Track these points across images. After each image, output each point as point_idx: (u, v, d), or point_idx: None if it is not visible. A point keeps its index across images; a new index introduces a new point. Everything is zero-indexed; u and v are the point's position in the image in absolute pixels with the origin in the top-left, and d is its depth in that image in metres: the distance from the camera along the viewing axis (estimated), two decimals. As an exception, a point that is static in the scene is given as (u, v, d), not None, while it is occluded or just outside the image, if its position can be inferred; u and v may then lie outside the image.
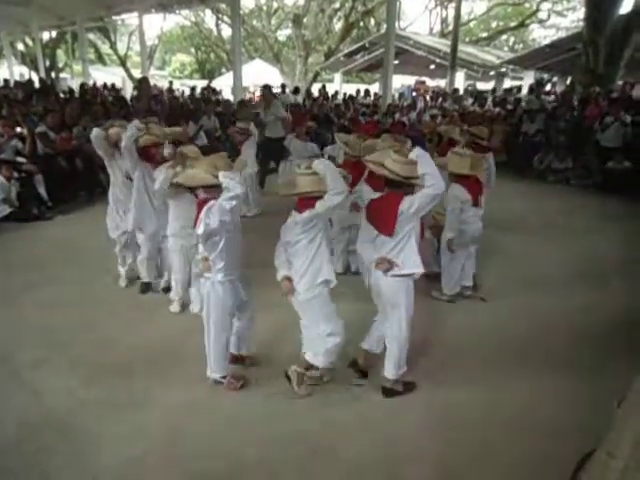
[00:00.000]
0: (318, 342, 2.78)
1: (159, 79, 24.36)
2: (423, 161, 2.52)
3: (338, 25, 26.50)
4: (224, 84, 20.59)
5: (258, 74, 23.39)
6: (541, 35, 32.79)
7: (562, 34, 24.91)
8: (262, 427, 2.64)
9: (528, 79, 17.00)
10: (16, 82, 15.68)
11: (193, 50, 38.22)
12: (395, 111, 11.76)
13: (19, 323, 3.71)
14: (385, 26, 14.73)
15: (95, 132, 3.98)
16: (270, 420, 2.69)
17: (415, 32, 24.25)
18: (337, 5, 25.67)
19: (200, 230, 2.54)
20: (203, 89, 14.59)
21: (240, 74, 14.20)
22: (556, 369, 3.20)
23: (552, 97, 13.34)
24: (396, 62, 15.41)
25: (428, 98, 15.47)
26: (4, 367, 3.13)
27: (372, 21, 28.15)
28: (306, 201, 2.56)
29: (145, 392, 2.91)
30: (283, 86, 15.20)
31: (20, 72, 24.26)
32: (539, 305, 4.14)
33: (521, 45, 33.78)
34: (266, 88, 8.27)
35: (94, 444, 2.49)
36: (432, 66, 20.38)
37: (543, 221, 6.64)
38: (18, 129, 7.52)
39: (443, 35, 26.83)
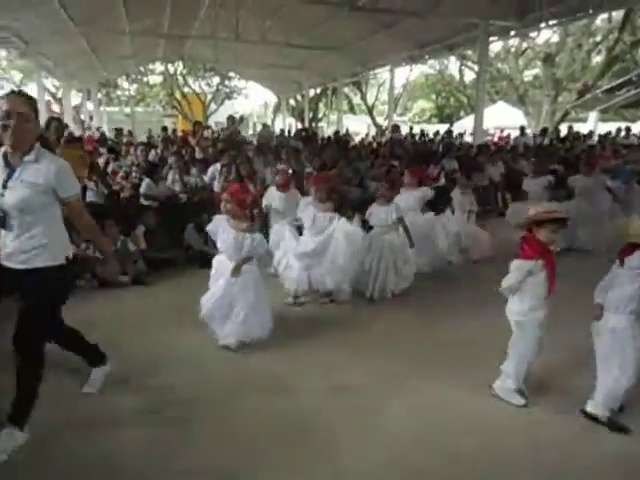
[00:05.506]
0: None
1: (401, 125, 26.12)
2: None
3: (596, 59, 23.98)
4: (464, 127, 20.86)
5: (499, 116, 22.95)
6: None
7: None
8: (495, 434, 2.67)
9: None
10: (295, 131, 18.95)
11: (434, 96, 39.79)
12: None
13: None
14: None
15: None
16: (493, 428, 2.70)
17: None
18: (598, 38, 23.34)
19: None
20: (445, 132, 15.15)
21: (482, 117, 14.18)
22: None
23: None
24: (674, 95, 13.17)
25: None
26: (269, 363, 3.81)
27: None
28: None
29: (383, 400, 3.21)
30: (522, 128, 14.64)
31: (289, 123, 29.29)
32: None
33: None
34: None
35: (334, 444, 2.78)
36: None
37: None
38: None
39: None
